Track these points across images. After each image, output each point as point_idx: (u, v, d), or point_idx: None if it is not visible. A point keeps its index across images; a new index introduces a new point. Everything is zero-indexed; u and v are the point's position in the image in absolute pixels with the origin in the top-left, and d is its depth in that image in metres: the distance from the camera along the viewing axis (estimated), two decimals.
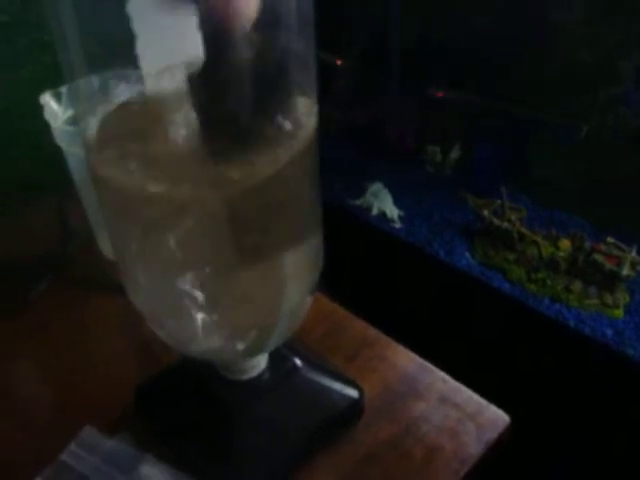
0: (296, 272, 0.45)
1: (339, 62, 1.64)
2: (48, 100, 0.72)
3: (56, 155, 0.74)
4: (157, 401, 0.59)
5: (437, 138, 1.56)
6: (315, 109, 0.42)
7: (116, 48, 0.36)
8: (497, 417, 0.61)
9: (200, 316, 0.43)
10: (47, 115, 0.71)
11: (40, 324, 0.74)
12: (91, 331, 0.73)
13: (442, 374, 0.65)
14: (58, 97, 0.73)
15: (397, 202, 1.45)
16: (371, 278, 1.46)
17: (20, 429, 0.61)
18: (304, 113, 0.41)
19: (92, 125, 0.42)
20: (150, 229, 0.41)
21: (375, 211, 1.43)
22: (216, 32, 0.34)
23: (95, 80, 0.40)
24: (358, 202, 1.46)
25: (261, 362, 0.55)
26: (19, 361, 0.70)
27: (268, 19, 0.36)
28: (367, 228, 1.42)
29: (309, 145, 0.42)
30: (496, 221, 1.28)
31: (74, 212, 0.83)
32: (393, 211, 1.42)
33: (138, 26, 0.33)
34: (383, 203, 1.43)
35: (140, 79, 0.36)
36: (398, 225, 1.40)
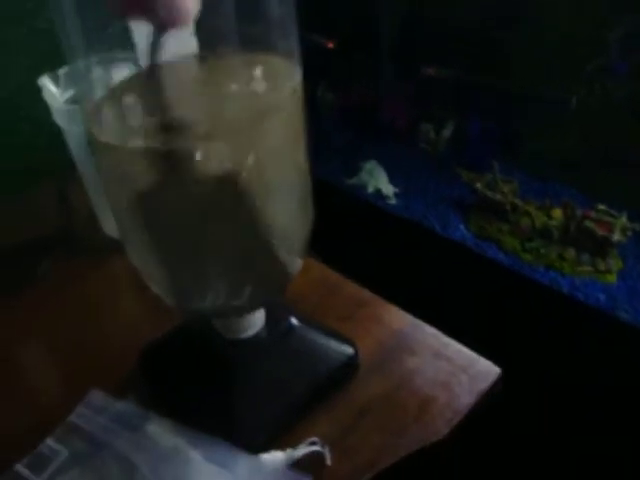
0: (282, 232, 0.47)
1: (331, 45, 1.65)
2: (46, 82, 0.74)
3: (56, 139, 0.77)
4: (161, 363, 0.62)
5: (430, 116, 1.58)
6: (297, 73, 0.45)
7: (115, 31, 0.39)
8: (488, 369, 0.63)
9: (195, 274, 0.46)
10: (46, 96, 0.74)
11: (48, 299, 0.76)
12: (98, 301, 0.76)
13: (434, 330, 0.68)
14: (55, 79, 0.75)
15: (392, 180, 1.47)
16: (369, 255, 1.48)
17: (32, 397, 0.64)
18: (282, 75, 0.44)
19: (92, 101, 0.45)
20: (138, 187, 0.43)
21: (371, 189, 1.45)
22: None
23: (94, 61, 0.43)
24: (354, 180, 1.48)
25: (258, 321, 0.58)
26: (31, 336, 0.72)
27: None
28: (363, 206, 1.44)
29: (289, 104, 0.44)
30: (489, 194, 1.30)
31: (76, 193, 0.85)
32: (388, 188, 1.44)
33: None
34: (378, 181, 1.45)
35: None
36: (394, 202, 1.42)
